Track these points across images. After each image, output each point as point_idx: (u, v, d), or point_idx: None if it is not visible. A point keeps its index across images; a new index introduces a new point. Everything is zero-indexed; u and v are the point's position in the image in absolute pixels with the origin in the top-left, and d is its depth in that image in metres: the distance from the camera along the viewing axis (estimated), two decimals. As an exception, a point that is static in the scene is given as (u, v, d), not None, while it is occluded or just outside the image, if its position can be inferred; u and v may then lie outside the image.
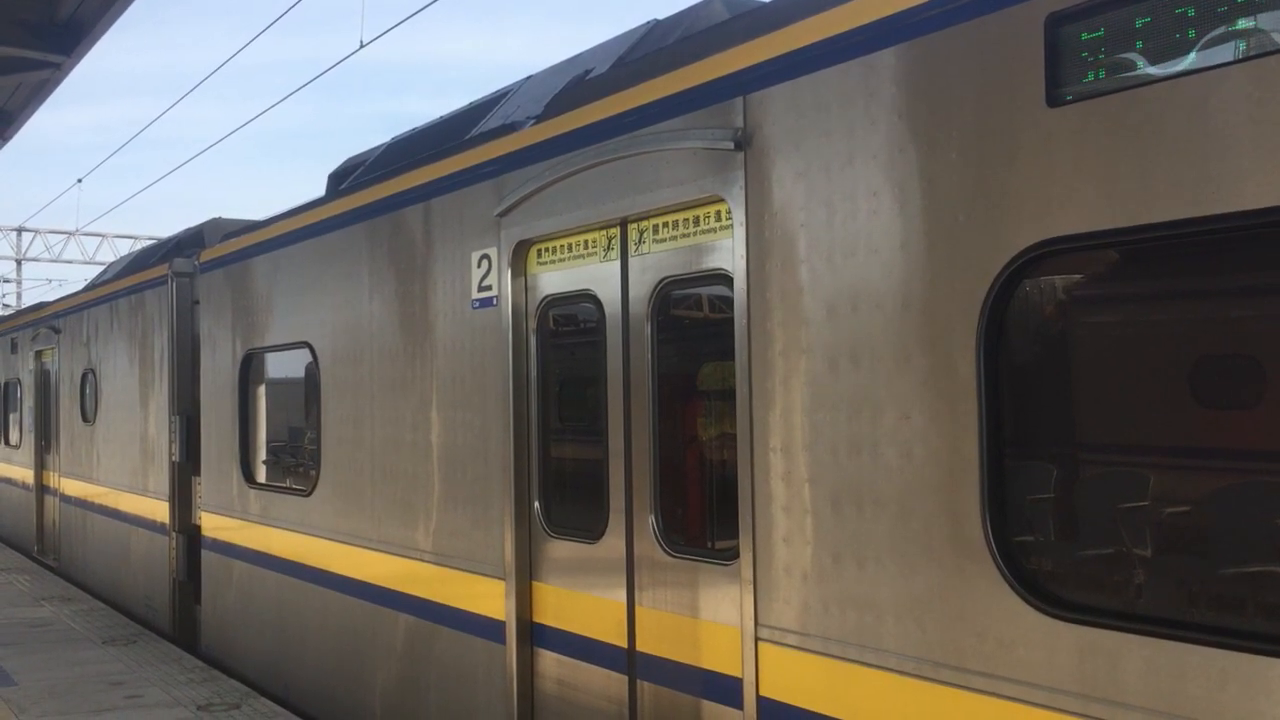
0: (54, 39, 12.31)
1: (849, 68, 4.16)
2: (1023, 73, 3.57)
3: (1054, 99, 3.48)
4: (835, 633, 4.17)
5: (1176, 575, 3.36)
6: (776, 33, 4.50)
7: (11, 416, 18.50)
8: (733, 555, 4.72)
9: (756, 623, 4.50)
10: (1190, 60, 3.17)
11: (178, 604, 11.11)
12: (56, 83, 13.99)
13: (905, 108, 3.96)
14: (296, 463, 8.96)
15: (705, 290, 5.15)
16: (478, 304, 6.26)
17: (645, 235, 5.26)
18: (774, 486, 4.44)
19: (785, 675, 4.38)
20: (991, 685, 3.62)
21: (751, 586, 4.52)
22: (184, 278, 11.13)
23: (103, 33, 12.08)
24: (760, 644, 4.48)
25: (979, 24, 3.71)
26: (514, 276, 5.99)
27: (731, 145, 4.60)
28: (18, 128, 16.87)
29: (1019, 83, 3.58)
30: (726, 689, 4.74)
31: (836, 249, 4.20)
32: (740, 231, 4.60)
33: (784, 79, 4.43)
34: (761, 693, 4.47)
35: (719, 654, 4.80)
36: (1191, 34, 3.18)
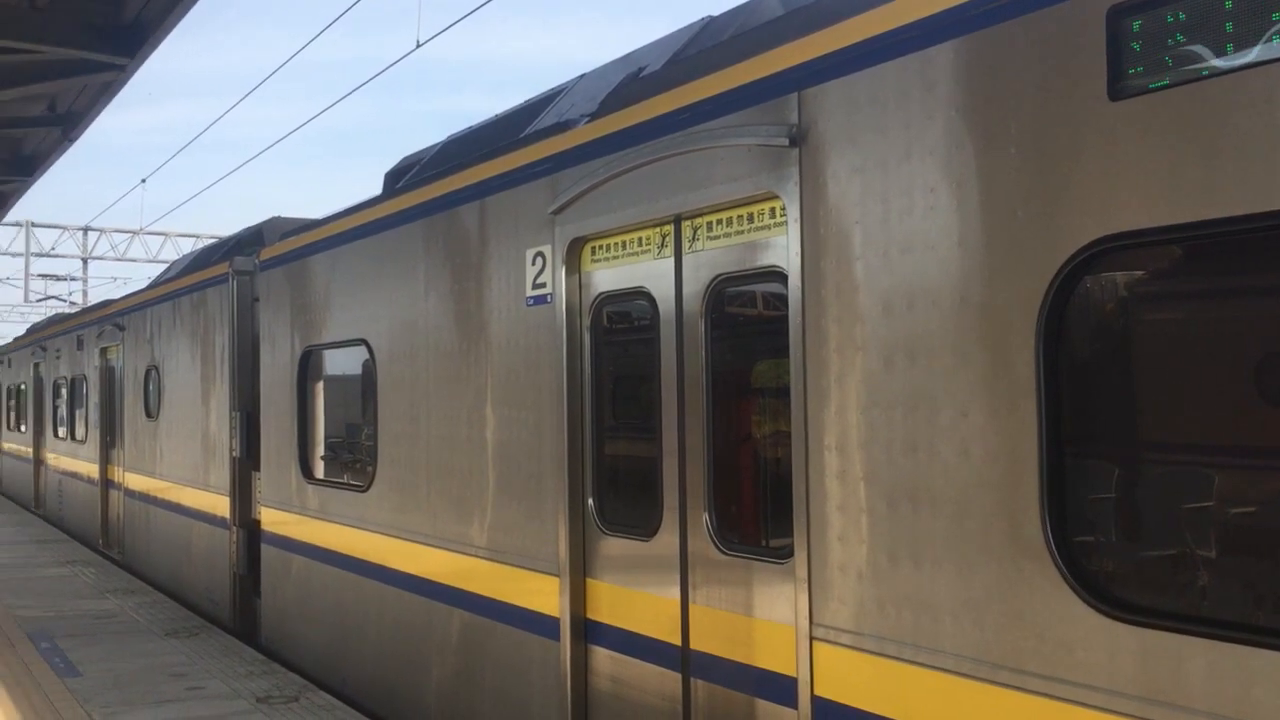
0: (118, 41, 12.53)
1: (906, 62, 4.12)
2: (1084, 66, 3.51)
3: (1116, 92, 3.42)
4: (891, 632, 4.14)
5: (1242, 577, 3.29)
6: (832, 28, 4.47)
7: (78, 412, 18.88)
8: (787, 553, 4.70)
9: (811, 621, 4.47)
10: (1257, 52, 3.10)
11: (238, 597, 11.27)
12: (121, 84, 14.23)
13: (963, 102, 3.91)
14: (353, 459, 9.05)
15: (759, 287, 5.13)
16: (532, 301, 6.28)
17: (699, 232, 5.25)
18: (829, 485, 4.41)
19: (840, 675, 4.35)
20: (1050, 688, 3.57)
21: (806, 585, 4.49)
22: (244, 276, 11.29)
23: (165, 35, 12.27)
24: (815, 643, 4.46)
25: (1039, 17, 3.66)
26: (568, 274, 6.01)
27: (786, 141, 4.57)
28: (84, 129, 17.19)
29: (1080, 76, 3.52)
30: (781, 688, 4.71)
31: (893, 245, 4.16)
32: (795, 228, 4.57)
33: (840, 74, 4.40)
34: (816, 692, 4.45)
35: (773, 653, 4.78)
36: (1258, 26, 3.11)
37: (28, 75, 13.80)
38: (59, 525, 19.80)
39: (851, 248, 4.33)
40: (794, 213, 4.58)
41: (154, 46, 12.49)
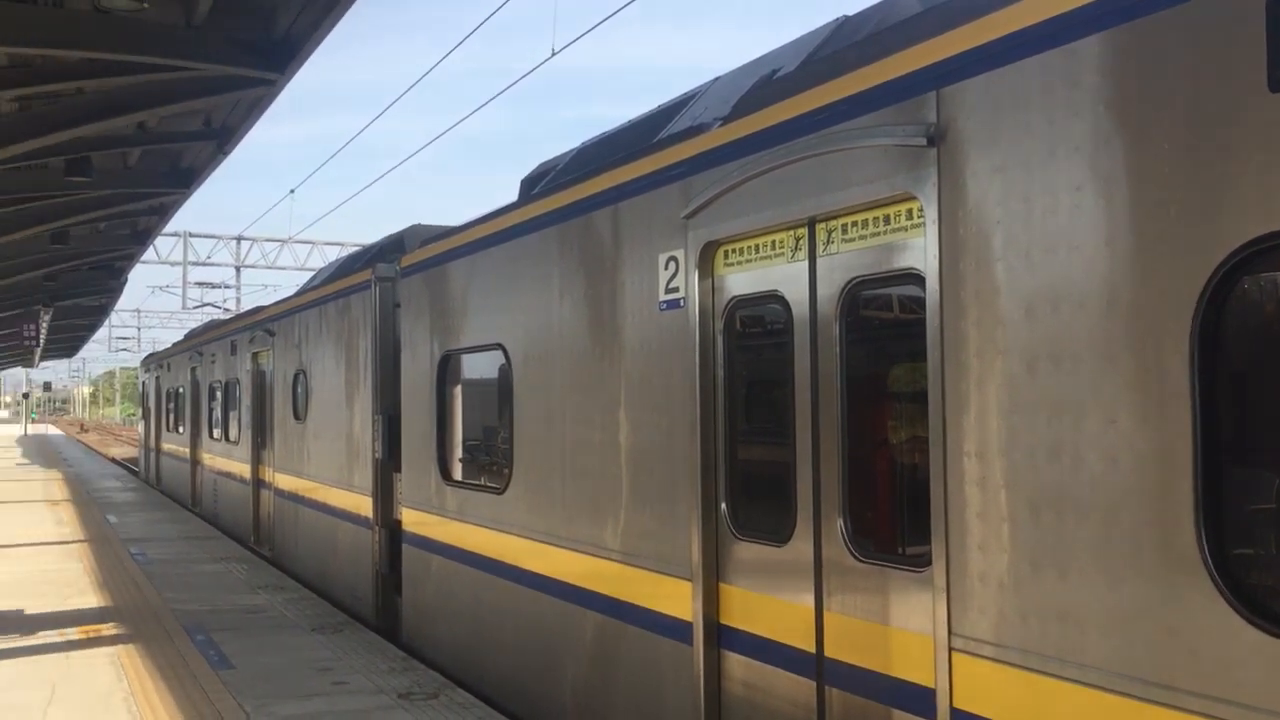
0: (269, 57, 13.01)
1: (1050, 57, 3.99)
2: (1242, 56, 3.35)
3: (1278, 82, 3.25)
4: (1034, 645, 4.01)
5: None
6: (972, 23, 4.37)
7: (231, 414, 19.66)
8: (925, 562, 4.60)
9: (950, 632, 4.37)
10: None
11: (380, 595, 11.58)
12: (271, 98, 14.78)
13: (1111, 97, 3.77)
14: (490, 461, 9.21)
15: (895, 290, 5.04)
16: (665, 305, 6.29)
17: (834, 235, 5.18)
18: (968, 492, 4.30)
19: (980, 687, 4.24)
20: (1205, 706, 3.41)
21: (944, 594, 4.39)
22: (386, 282, 11.59)
23: (313, 50, 12.69)
24: (954, 654, 4.35)
25: (1193, 6, 3.50)
26: (701, 278, 6.00)
27: (924, 141, 4.48)
28: (236, 142, 17.91)
29: (1238, 67, 3.36)
30: (918, 699, 4.61)
31: (1036, 246, 4.03)
32: (933, 230, 4.48)
33: (980, 71, 4.29)
34: (955, 704, 4.34)
35: (910, 662, 4.68)
36: None
37: (185, 92, 14.45)
38: (213, 523, 20.63)
39: (992, 249, 4.22)
40: (932, 214, 4.48)
41: (302, 61, 12.94)
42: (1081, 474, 3.84)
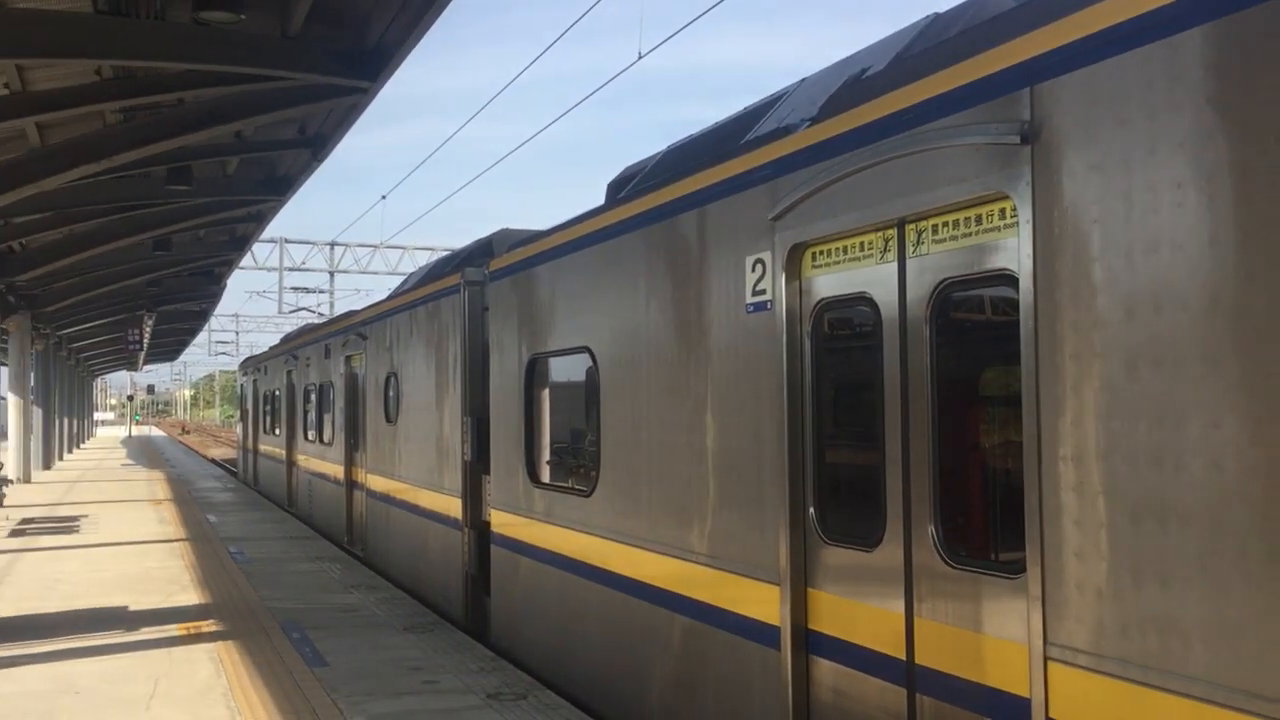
0: (361, 66, 13.26)
1: (1150, 51, 3.88)
2: (1354, 45, 3.21)
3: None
4: (1134, 656, 3.90)
5: None
6: (1068, 18, 4.26)
7: (325, 417, 20.04)
8: (1019, 569, 4.50)
9: (1046, 641, 4.27)
10: None
11: (469, 596, 11.70)
12: (364, 106, 15.07)
13: (1215, 91, 3.65)
14: (577, 463, 9.25)
15: (987, 291, 4.95)
16: (752, 308, 6.26)
17: (924, 236, 5.10)
18: (1064, 498, 4.20)
19: (1078, 698, 4.13)
20: (1318, 723, 3.28)
21: (1040, 602, 4.29)
22: (475, 286, 11.72)
23: (404, 58, 12.90)
24: (1050, 663, 4.25)
25: (1301, -6, 3.38)
26: (788, 280, 5.96)
27: (1017, 139, 4.39)
28: (330, 150, 18.30)
29: (1350, 57, 3.23)
30: (1013, 709, 4.52)
31: (1136, 246, 3.92)
32: (1027, 229, 4.38)
33: (1076, 67, 4.19)
34: (1051, 715, 4.24)
35: (1004, 672, 4.59)
36: None
37: (281, 101, 14.80)
38: (308, 523, 21.05)
39: (1089, 249, 4.12)
40: (1026, 213, 4.39)
41: (393, 70, 13.16)
42: (1184, 480, 3.72)
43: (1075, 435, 4.16)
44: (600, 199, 9.51)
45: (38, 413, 35.24)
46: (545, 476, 9.66)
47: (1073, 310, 4.18)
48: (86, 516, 21.65)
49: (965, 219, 4.86)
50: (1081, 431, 4.13)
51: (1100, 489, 4.05)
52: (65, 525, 20.14)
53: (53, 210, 20.68)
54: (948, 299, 5.03)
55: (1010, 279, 4.59)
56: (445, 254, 16.27)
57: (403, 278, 23.11)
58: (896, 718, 5.22)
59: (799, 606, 5.87)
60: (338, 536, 18.57)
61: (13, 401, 31.48)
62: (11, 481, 26.75)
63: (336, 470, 18.78)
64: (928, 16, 6.28)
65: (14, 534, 18.90)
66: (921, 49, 5.79)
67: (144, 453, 52.46)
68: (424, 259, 49.58)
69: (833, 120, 5.69)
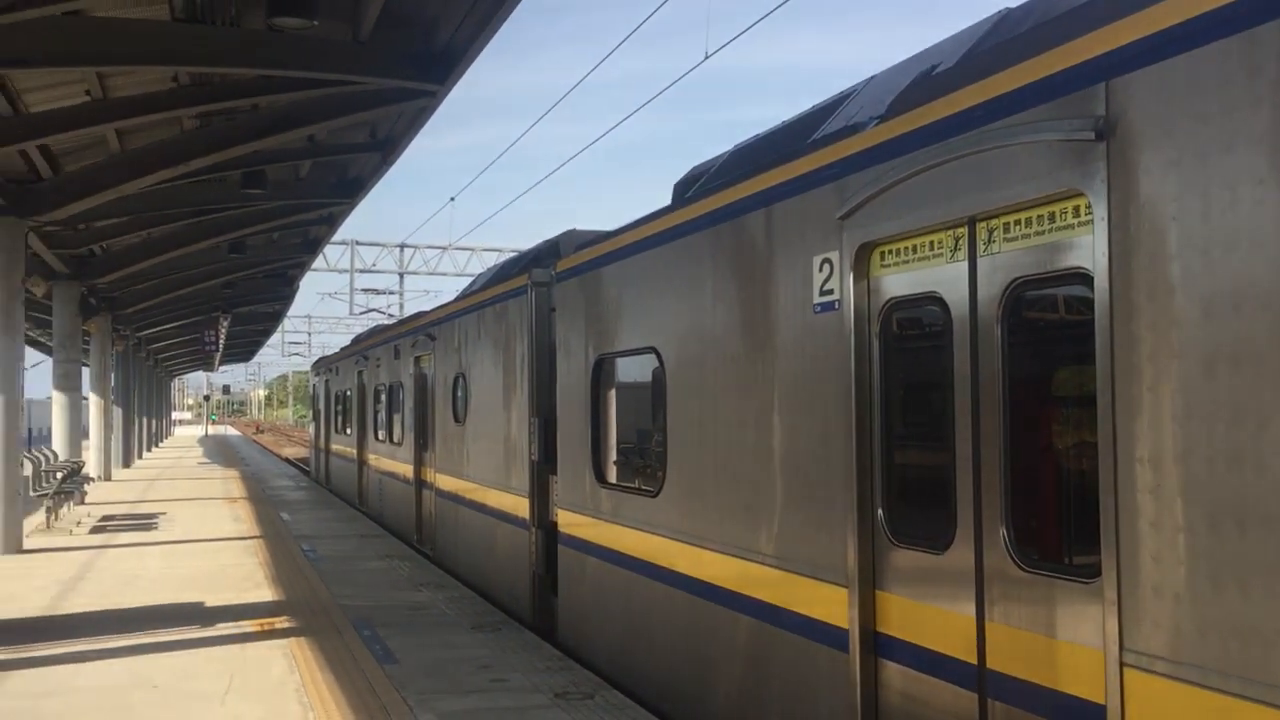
0: (429, 69, 13.40)
1: (1229, 44, 3.79)
2: None
3: None
4: (1214, 662, 3.80)
5: None
6: (1144, 12, 4.18)
7: (395, 417, 20.27)
8: (1093, 573, 4.42)
9: (1121, 647, 4.18)
10: None
11: (537, 595, 11.77)
12: (433, 109, 15.22)
13: (1297, 83, 3.55)
14: (644, 464, 9.26)
15: (1061, 290, 4.86)
16: (819, 308, 6.22)
17: (995, 234, 5.03)
18: (1141, 500, 4.11)
19: (1155, 705, 4.04)
20: None
21: (1115, 607, 4.21)
22: (542, 287, 11.78)
23: (472, 60, 13.02)
24: (1125, 669, 4.17)
25: (1390, -17, 3.27)
26: (856, 280, 5.91)
27: (1092, 135, 4.31)
28: (399, 153, 18.51)
29: None
30: (1087, 715, 4.43)
31: (1214, 244, 3.83)
32: (1102, 227, 4.30)
33: (1153, 61, 4.10)
34: (1127, 722, 4.15)
35: (1078, 677, 4.50)
36: None
37: (353, 105, 15.01)
38: (379, 521, 21.31)
39: (1166, 247, 4.03)
40: (1101, 211, 4.30)
41: (462, 72, 13.29)
42: (1265, 482, 3.63)
43: (1152, 437, 4.07)
44: (667, 199, 9.51)
45: (118, 412, 36.12)
46: (612, 477, 9.68)
47: (1149, 309, 4.09)
48: (164, 514, 22.13)
49: (1038, 217, 4.78)
50: (1158, 433, 4.04)
51: (1178, 491, 3.96)
52: (144, 522, 20.61)
53: (132, 214, 21.19)
54: (1020, 298, 4.95)
55: (1084, 278, 4.51)
56: (512, 255, 16.37)
57: (471, 279, 23.31)
58: (967, 723, 5.15)
59: (867, 609, 5.82)
60: (407, 535, 18.77)
61: (94, 401, 32.29)
62: (93, 479, 27.43)
63: (406, 470, 18.98)
64: (999, 12, 6.19)
65: (95, 530, 19.38)
66: (993, 45, 5.71)
67: (220, 452, 53.51)
68: (492, 260, 49.98)
69: (902, 117, 5.63)
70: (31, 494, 18.90)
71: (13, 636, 10.49)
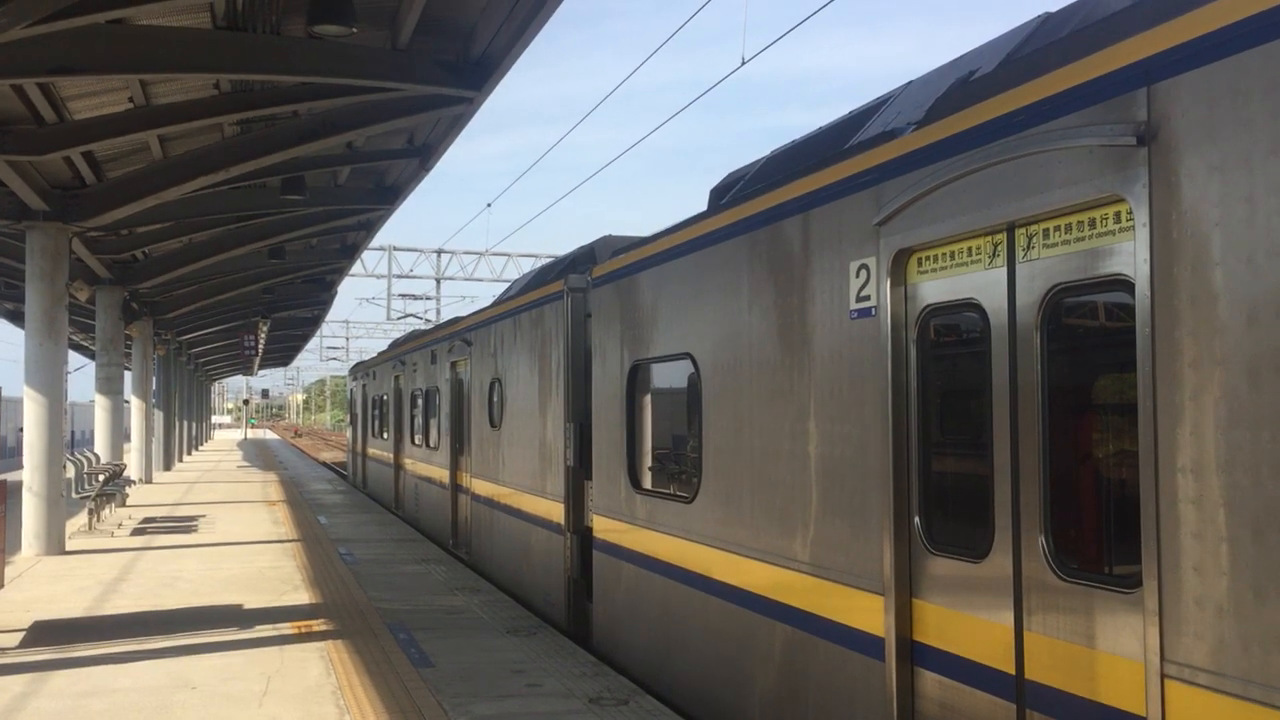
0: (467, 75, 13.48)
1: (1273, 48, 3.74)
2: None
3: None
4: (1258, 675, 3.75)
5: None
6: (1187, 15, 4.13)
7: (431, 421, 20.37)
8: (1134, 583, 4.36)
9: (1162, 658, 4.13)
10: None
11: (572, 600, 11.78)
12: (470, 116, 15.31)
13: (1344, 87, 3.50)
14: (679, 470, 9.25)
15: (1101, 297, 4.81)
16: (856, 314, 6.19)
17: (1034, 240, 4.99)
18: (1182, 510, 4.06)
19: (1196, 718, 3.98)
20: None
21: (1156, 618, 4.15)
22: (578, 292, 11.81)
23: (509, 67, 13.08)
24: (1167, 681, 4.11)
25: None
26: (893, 286, 5.87)
27: (1134, 140, 4.26)
28: (437, 159, 18.62)
29: None
30: (1127, 727, 4.38)
31: (1259, 249, 3.78)
32: (1143, 233, 4.25)
33: (1196, 65, 4.06)
34: (1168, 735, 4.09)
35: (1118, 688, 4.45)
36: None
37: (391, 111, 15.13)
38: (414, 525, 21.42)
39: (1209, 253, 3.98)
40: (1142, 216, 4.26)
41: (499, 79, 13.35)
42: (1311, 493, 3.57)
43: (1194, 446, 4.02)
44: (703, 205, 9.51)
45: (159, 415, 36.55)
46: (647, 482, 9.68)
47: (1192, 316, 4.04)
48: (204, 516, 22.35)
49: (1078, 222, 4.74)
50: (1201, 442, 3.99)
51: (1221, 501, 3.91)
52: (184, 525, 20.83)
53: (173, 220, 21.45)
54: (1059, 305, 4.90)
55: (1125, 284, 4.46)
56: (549, 260, 16.41)
57: (507, 284, 23.37)
58: (1005, 733, 5.10)
59: (903, 617, 5.78)
60: (443, 539, 18.85)
61: (135, 405, 32.68)
62: (134, 482, 27.75)
63: (442, 474, 19.07)
64: (1039, 16, 6.15)
65: (136, 532, 19.61)
66: (1033, 49, 5.67)
67: (259, 455, 54.00)
68: (528, 266, 50.17)
69: (941, 123, 5.59)
70: (74, 496, 19.13)
71: (55, 636, 10.63)
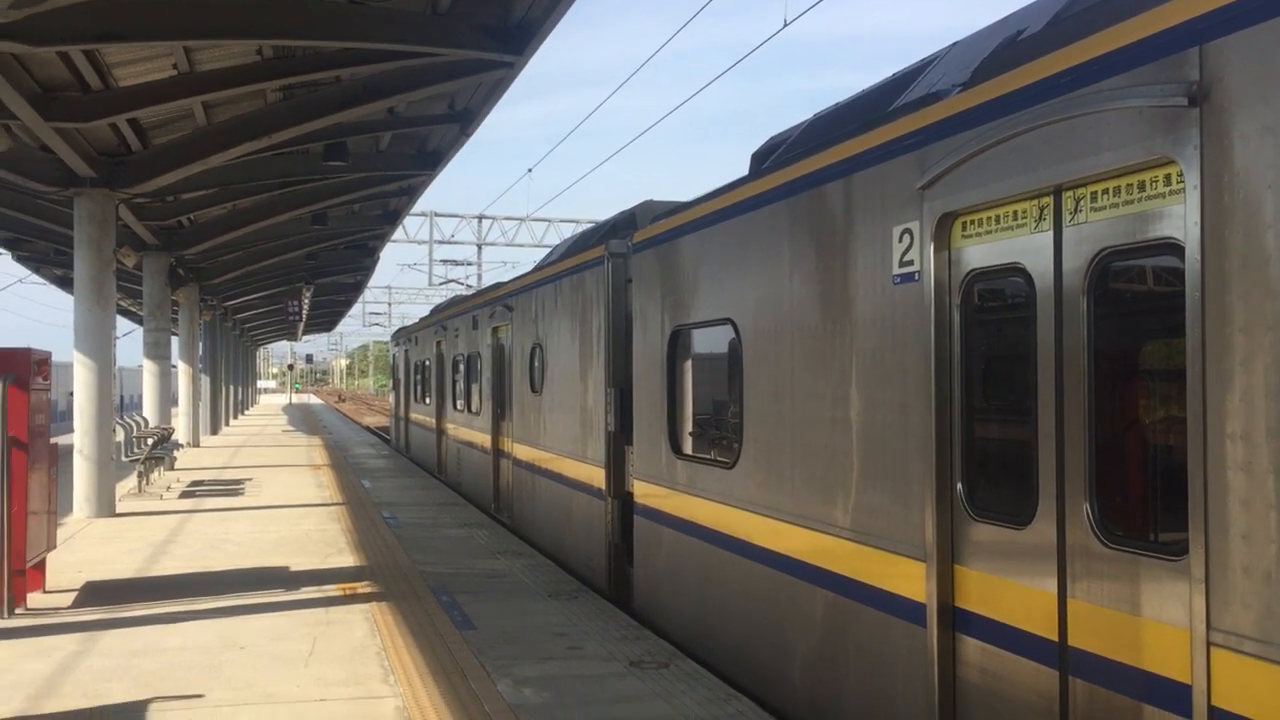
0: (507, 40, 13.44)
1: (1332, 3, 3.64)
2: None
3: None
4: (1305, 645, 3.70)
5: None
6: (1241, -29, 4.03)
7: (473, 386, 20.49)
8: (1180, 550, 4.32)
9: (1209, 626, 4.09)
10: None
11: (612, 565, 11.85)
12: (510, 80, 15.27)
13: (1405, 44, 3.40)
14: (720, 435, 9.25)
15: (1150, 261, 4.74)
16: (898, 279, 6.13)
17: (1082, 203, 4.91)
18: (1231, 477, 4.01)
19: (1243, 686, 3.95)
20: None
21: (1203, 586, 4.11)
22: (618, 258, 11.79)
23: (549, 31, 13.02)
24: (1213, 649, 4.07)
25: None
26: (937, 250, 5.81)
27: (1185, 101, 4.18)
28: (477, 125, 18.61)
29: None
30: (1172, 695, 4.35)
31: (1313, 211, 3.70)
32: (1194, 196, 4.17)
33: (1249, 23, 3.96)
34: (1214, 703, 4.06)
35: (1163, 656, 4.42)
36: None
37: (432, 76, 15.12)
38: (457, 490, 21.60)
39: (1262, 216, 3.90)
40: (1193, 179, 4.18)
41: (539, 43, 13.30)
42: (1364, 461, 3.51)
43: (1244, 412, 3.96)
44: (744, 170, 9.44)
45: (205, 380, 37.03)
46: (687, 448, 9.69)
47: (1243, 281, 3.97)
48: (250, 480, 22.67)
49: (1127, 185, 4.66)
50: (1251, 408, 3.93)
51: (1270, 468, 3.85)
52: (231, 488, 21.13)
53: (218, 186, 21.62)
54: (1107, 269, 4.83)
55: (1175, 248, 4.38)
56: (590, 226, 16.39)
57: (548, 250, 23.37)
58: (1047, 699, 5.09)
59: (945, 583, 5.76)
60: (485, 503, 18.99)
61: (183, 369, 33.12)
62: (182, 445, 28.18)
63: (484, 439, 19.19)
64: (1088, -26, 6.02)
65: (184, 495, 19.93)
66: (1081, 8, 5.56)
67: (304, 420, 54.60)
68: (569, 231, 50.16)
69: (986, 84, 5.51)
70: (124, 459, 19.47)
71: (107, 597, 10.85)
